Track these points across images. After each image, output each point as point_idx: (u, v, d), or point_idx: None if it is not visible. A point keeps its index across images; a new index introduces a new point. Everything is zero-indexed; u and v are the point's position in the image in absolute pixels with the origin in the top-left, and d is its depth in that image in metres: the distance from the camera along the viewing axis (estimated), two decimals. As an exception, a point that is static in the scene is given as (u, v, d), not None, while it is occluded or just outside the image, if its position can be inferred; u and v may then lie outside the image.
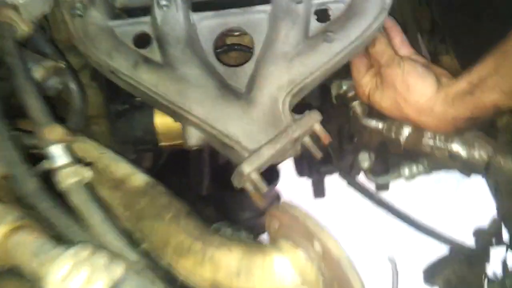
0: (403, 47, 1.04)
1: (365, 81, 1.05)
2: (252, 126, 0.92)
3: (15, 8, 0.69)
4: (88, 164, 0.64)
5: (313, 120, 0.93)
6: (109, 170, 0.88)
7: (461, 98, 0.91)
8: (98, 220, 0.59)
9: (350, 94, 1.19)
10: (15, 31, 0.68)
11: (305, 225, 0.68)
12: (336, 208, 1.91)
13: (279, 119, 0.93)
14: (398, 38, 1.04)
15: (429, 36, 1.40)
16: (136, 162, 1.26)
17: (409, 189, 1.98)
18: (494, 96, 0.86)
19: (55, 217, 0.56)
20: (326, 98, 1.24)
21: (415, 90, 0.95)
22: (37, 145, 0.62)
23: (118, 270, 0.47)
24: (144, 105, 1.16)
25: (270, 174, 1.04)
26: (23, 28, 0.70)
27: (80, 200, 0.59)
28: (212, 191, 1.43)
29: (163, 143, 1.19)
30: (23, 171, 0.58)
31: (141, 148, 1.23)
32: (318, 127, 0.94)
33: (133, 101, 1.15)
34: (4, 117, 0.60)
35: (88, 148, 0.91)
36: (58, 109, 0.95)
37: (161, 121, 1.15)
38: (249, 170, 0.88)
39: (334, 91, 1.22)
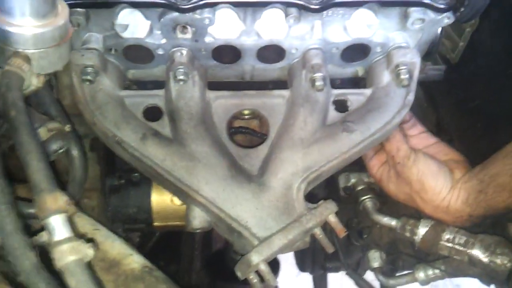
0: (414, 127, 1.05)
1: (374, 164, 1.06)
2: (263, 212, 0.87)
3: (26, 58, 0.63)
4: (90, 240, 0.55)
5: (328, 211, 0.89)
6: (102, 248, 0.79)
7: (475, 197, 0.91)
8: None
9: (360, 187, 1.14)
10: (23, 83, 0.61)
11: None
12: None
13: (292, 206, 0.88)
14: (411, 121, 1.05)
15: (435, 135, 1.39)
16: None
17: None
18: (505, 195, 0.86)
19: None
20: (333, 190, 1.18)
21: (430, 190, 0.96)
22: (36, 215, 0.53)
23: None
24: (141, 181, 1.12)
25: (270, 266, 0.95)
26: (33, 82, 0.63)
27: (79, 283, 0.49)
28: (202, 281, 1.31)
29: (156, 223, 1.13)
30: (19, 244, 0.48)
31: (132, 227, 1.16)
32: (333, 219, 0.89)
33: (130, 176, 1.11)
34: (5, 178, 0.51)
35: (82, 222, 0.82)
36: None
37: (158, 199, 1.11)
38: (258, 260, 0.82)
39: (342, 183, 1.18)
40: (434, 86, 1.35)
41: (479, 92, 1.19)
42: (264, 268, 0.81)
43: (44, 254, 0.52)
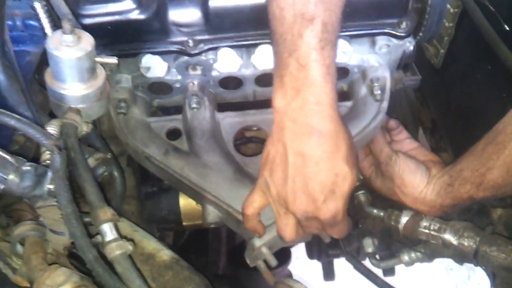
0: (400, 134, 1.26)
1: (364, 165, 1.27)
2: (264, 206, 1.09)
3: (78, 111, 0.91)
4: (129, 239, 0.82)
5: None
6: (140, 245, 1.07)
7: (445, 189, 1.10)
8: (137, 285, 0.76)
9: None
10: (77, 131, 0.89)
11: (305, 298, 0.83)
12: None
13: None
14: (397, 130, 1.26)
15: (430, 133, 1.60)
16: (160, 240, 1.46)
17: (421, 277, 2.10)
18: (468, 187, 1.05)
19: (108, 280, 0.74)
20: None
21: (409, 184, 1.14)
22: (93, 223, 0.81)
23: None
24: (170, 188, 1.34)
25: (282, 255, 1.19)
26: (84, 128, 0.92)
27: (124, 269, 0.77)
28: (228, 271, 1.57)
29: (185, 223, 1.36)
30: (85, 244, 0.77)
31: (165, 226, 1.41)
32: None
33: (161, 184, 1.34)
34: (72, 203, 0.80)
35: (124, 226, 1.10)
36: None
37: (185, 203, 1.33)
38: (260, 244, 1.04)
39: (340, 180, 1.40)
40: (426, 89, 1.57)
41: (457, 95, 1.40)
42: (265, 251, 1.03)
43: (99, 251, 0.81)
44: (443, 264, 2.22)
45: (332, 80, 0.88)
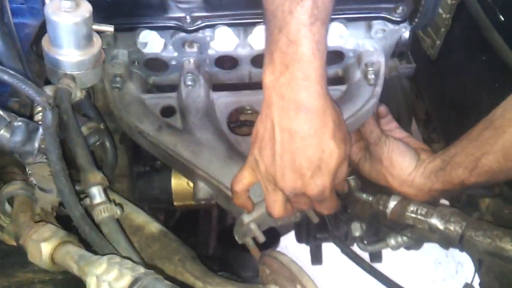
0: (390, 123, 1.27)
1: (354, 151, 1.27)
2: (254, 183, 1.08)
3: (72, 78, 0.92)
4: (118, 204, 0.84)
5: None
6: (129, 217, 1.08)
7: (436, 173, 1.10)
8: (123, 246, 0.78)
9: (346, 169, 1.38)
10: (71, 96, 0.91)
11: (289, 269, 0.85)
12: (333, 275, 2.04)
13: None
14: (386, 118, 1.27)
15: (423, 125, 1.62)
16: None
17: (410, 269, 2.12)
18: (460, 171, 1.05)
19: (94, 238, 0.76)
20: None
21: (397, 165, 1.15)
22: (82, 190, 0.83)
23: (140, 269, 0.65)
24: (162, 168, 1.38)
25: (270, 238, 1.20)
26: (77, 94, 0.93)
27: (111, 231, 0.78)
28: (218, 251, 1.59)
29: (176, 203, 1.38)
30: (73, 201, 0.78)
31: (156, 206, 1.43)
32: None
33: (153, 163, 1.37)
34: (62, 161, 0.81)
35: (114, 198, 1.11)
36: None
37: (177, 183, 1.36)
38: (248, 220, 1.06)
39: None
40: (421, 80, 1.59)
41: (452, 86, 1.41)
42: (254, 227, 1.05)
43: (89, 214, 0.82)
44: (432, 257, 2.25)
45: (321, 57, 0.89)
